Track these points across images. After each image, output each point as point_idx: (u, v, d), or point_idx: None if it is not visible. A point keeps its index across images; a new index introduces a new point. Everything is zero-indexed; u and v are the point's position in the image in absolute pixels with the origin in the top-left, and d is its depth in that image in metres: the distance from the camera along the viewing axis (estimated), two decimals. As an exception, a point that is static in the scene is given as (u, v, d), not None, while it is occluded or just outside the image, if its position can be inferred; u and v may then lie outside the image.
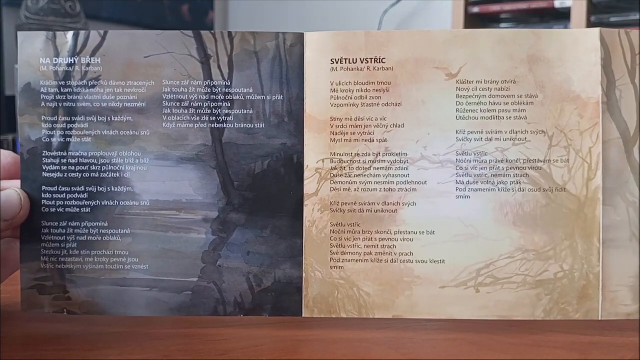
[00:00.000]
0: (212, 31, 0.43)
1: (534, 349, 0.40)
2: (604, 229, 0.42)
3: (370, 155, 0.43)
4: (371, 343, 0.41)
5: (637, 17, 1.81)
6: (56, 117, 0.43)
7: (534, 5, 1.96)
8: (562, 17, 1.93)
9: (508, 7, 2.02)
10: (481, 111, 0.43)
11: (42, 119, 0.43)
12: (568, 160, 0.42)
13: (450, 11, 2.07)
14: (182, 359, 0.38)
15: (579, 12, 1.85)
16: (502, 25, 2.07)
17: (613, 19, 1.83)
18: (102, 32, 0.43)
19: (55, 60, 0.43)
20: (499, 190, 0.42)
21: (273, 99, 0.43)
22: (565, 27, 1.90)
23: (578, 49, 0.42)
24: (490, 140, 0.43)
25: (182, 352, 0.39)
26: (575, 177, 0.42)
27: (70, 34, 0.43)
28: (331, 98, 0.43)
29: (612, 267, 0.42)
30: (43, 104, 0.43)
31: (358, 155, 0.43)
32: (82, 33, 0.43)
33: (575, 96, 0.42)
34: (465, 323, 0.44)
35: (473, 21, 2.05)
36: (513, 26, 2.03)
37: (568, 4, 1.89)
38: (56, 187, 0.43)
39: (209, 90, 0.43)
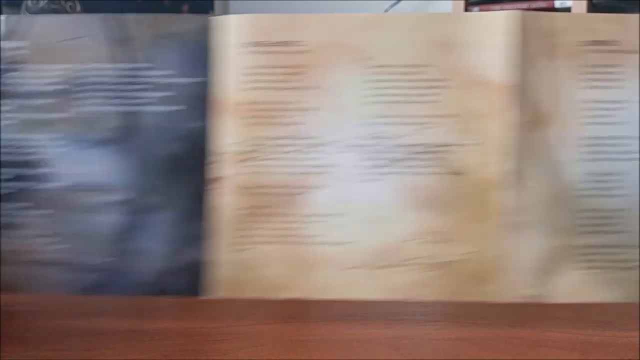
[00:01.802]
0: (132, 14, 0.44)
1: (534, 349, 0.40)
2: (509, 212, 0.42)
3: (281, 138, 0.43)
4: (371, 343, 0.41)
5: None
6: None
7: (534, 5, 1.96)
8: (562, 17, 1.93)
9: (508, 7, 2.02)
10: (393, 95, 0.43)
11: None
12: (477, 143, 0.42)
13: (451, 11, 2.07)
14: (182, 359, 0.38)
15: (579, 12, 1.85)
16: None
17: (613, 19, 1.83)
18: (31, 16, 0.44)
19: None
20: (408, 173, 0.43)
21: (189, 82, 0.43)
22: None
23: (491, 33, 0.42)
24: (401, 124, 0.43)
25: (182, 352, 0.39)
26: (483, 161, 0.42)
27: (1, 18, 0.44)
28: (244, 82, 0.43)
29: (512, 250, 0.42)
30: None
31: (269, 138, 0.43)
32: (13, 17, 0.44)
33: (487, 80, 0.42)
34: (465, 323, 0.44)
35: (473, 21, 2.05)
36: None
37: (568, 4, 1.89)
38: None
39: (127, 73, 0.43)
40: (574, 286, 0.42)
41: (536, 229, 0.42)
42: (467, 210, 0.42)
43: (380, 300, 0.47)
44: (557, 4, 1.92)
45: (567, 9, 1.89)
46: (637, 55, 0.42)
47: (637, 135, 0.42)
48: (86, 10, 1.88)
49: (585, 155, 0.42)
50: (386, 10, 2.38)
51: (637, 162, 0.42)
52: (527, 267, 0.42)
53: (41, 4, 1.75)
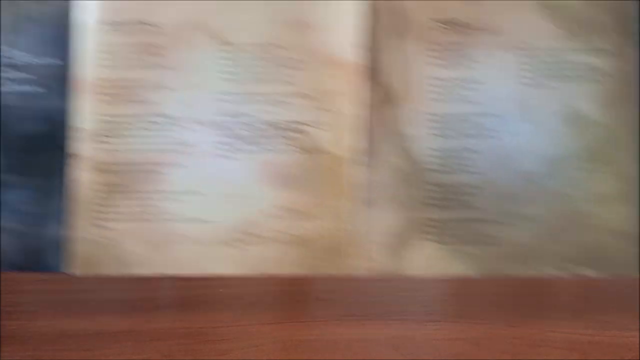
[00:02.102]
0: None
1: (534, 349, 0.40)
2: (363, 188, 0.43)
3: (138, 116, 0.43)
4: (371, 343, 0.41)
5: (637, 17, 1.81)
6: None
7: (534, 5, 1.96)
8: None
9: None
10: (249, 74, 0.43)
11: None
12: (331, 122, 0.43)
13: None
14: (182, 359, 0.38)
15: None
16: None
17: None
18: None
19: None
20: (264, 151, 0.43)
21: (49, 63, 0.44)
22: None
23: (344, 14, 0.43)
24: (257, 102, 0.43)
25: (182, 352, 0.39)
26: (337, 139, 0.43)
27: None
28: (102, 60, 0.43)
29: (367, 224, 0.43)
30: None
31: (126, 116, 0.43)
32: None
33: (338, 59, 0.43)
34: (465, 323, 0.44)
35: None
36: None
37: (568, 4, 1.88)
38: None
39: None
40: (426, 259, 0.43)
41: (389, 204, 0.43)
42: (322, 187, 0.43)
43: (380, 300, 0.47)
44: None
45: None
46: (489, 33, 0.43)
47: (489, 112, 0.43)
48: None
49: (436, 132, 0.43)
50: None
51: (489, 139, 0.43)
52: (380, 241, 0.43)
53: None
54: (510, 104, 0.43)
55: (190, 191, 0.43)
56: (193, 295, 0.49)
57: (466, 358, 0.39)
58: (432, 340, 0.42)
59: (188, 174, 0.43)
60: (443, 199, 0.43)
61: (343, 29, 0.43)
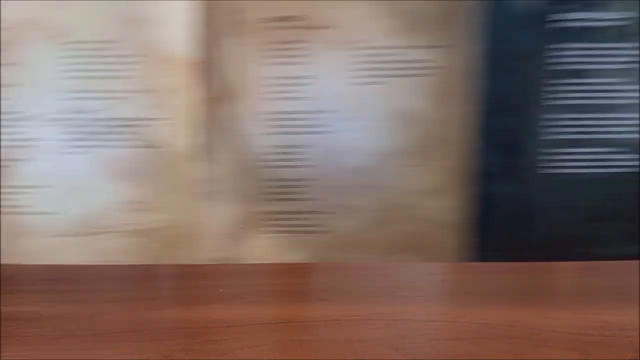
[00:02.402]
0: None
1: (534, 349, 0.40)
2: (204, 182, 0.44)
3: None
4: (371, 343, 0.41)
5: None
6: None
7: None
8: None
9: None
10: (89, 70, 0.45)
11: None
12: (169, 118, 0.45)
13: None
14: (182, 359, 0.38)
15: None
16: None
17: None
18: None
19: None
20: (107, 146, 0.45)
21: None
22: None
23: (180, 11, 0.44)
24: (98, 98, 0.45)
25: (182, 352, 0.39)
26: (176, 134, 0.45)
27: None
28: None
29: (208, 216, 0.44)
30: None
31: None
32: None
33: (174, 56, 0.44)
34: (465, 323, 0.44)
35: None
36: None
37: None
38: None
39: None
40: (262, 249, 0.45)
41: (227, 197, 0.45)
42: (163, 181, 0.45)
43: (380, 300, 0.47)
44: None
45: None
46: (323, 30, 0.44)
47: (323, 109, 0.44)
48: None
49: (272, 129, 0.45)
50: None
51: (321, 135, 0.45)
52: (219, 232, 0.44)
53: None
54: (343, 100, 0.45)
55: (39, 185, 0.45)
56: (193, 295, 0.49)
57: (466, 358, 0.39)
58: (432, 340, 0.42)
59: (37, 169, 0.45)
60: (278, 192, 0.45)
61: (179, 26, 0.44)
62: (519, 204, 0.45)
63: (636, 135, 0.44)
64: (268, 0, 0.44)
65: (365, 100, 0.44)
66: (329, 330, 0.43)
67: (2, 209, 0.44)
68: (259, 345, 0.40)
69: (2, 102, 0.44)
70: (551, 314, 0.46)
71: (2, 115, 0.44)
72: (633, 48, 0.43)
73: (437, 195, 0.45)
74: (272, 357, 0.39)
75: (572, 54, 0.44)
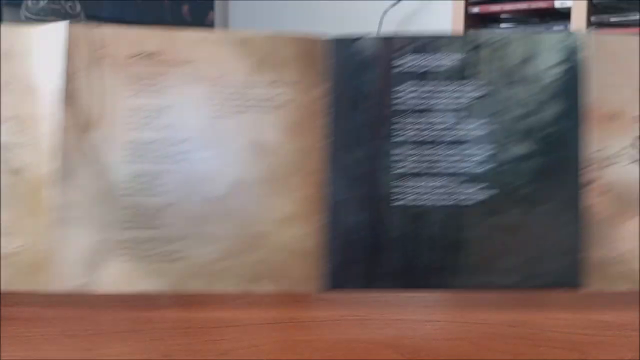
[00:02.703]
0: None
1: (534, 349, 0.40)
2: (59, 207, 0.45)
3: None
4: (371, 343, 0.41)
5: (637, 17, 1.81)
6: None
7: (534, 5, 1.96)
8: (562, 17, 1.93)
9: (508, 7, 2.02)
10: None
11: None
12: (31, 144, 0.45)
13: (450, 11, 2.07)
14: (182, 359, 0.38)
15: (579, 12, 1.85)
16: (502, 25, 2.07)
17: (613, 19, 1.83)
18: None
19: None
20: None
21: None
22: (565, 28, 1.90)
23: (44, 43, 0.46)
24: None
25: (182, 352, 0.39)
26: (36, 160, 0.45)
27: None
28: None
29: (66, 242, 0.45)
30: None
31: None
32: None
33: (35, 85, 0.46)
34: (465, 323, 0.44)
35: (473, 21, 2.05)
36: (514, 27, 2.03)
37: (568, 4, 1.89)
38: None
39: None
40: (118, 277, 0.45)
41: (84, 223, 0.45)
42: (22, 206, 0.45)
43: (380, 300, 0.47)
44: (557, 4, 1.92)
45: (567, 9, 1.89)
46: (180, 65, 0.46)
47: (181, 139, 0.46)
48: (86, 10, 1.88)
49: (130, 157, 0.46)
50: (386, 11, 2.38)
51: (180, 164, 0.46)
52: (75, 259, 0.45)
53: (41, 4, 1.75)
54: (201, 131, 0.46)
55: None
56: (193, 295, 0.49)
57: (466, 358, 0.39)
58: (432, 340, 0.42)
59: None
60: (136, 220, 0.45)
61: (47, 56, 0.46)
62: (371, 234, 0.46)
63: (479, 168, 0.46)
64: (131, 35, 0.46)
65: (221, 132, 0.46)
66: (329, 330, 0.43)
67: None
68: (259, 345, 0.40)
69: None
70: (551, 314, 0.46)
71: None
72: (468, 88, 0.47)
73: (292, 224, 0.46)
74: (272, 357, 0.39)
75: (415, 95, 0.47)
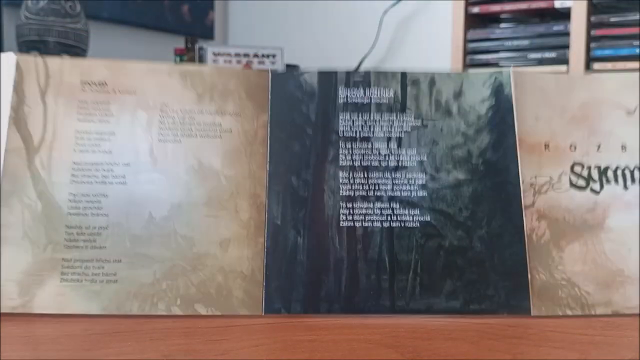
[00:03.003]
0: None
1: (534, 349, 0.40)
2: (2, 226, 0.46)
3: None
4: (371, 343, 0.41)
5: (637, 17, 1.81)
6: None
7: (534, 5, 1.96)
8: (562, 17, 1.93)
9: (508, 7, 2.02)
10: None
11: None
12: None
13: (451, 11, 2.07)
14: (182, 359, 0.38)
15: (579, 12, 1.85)
16: (502, 25, 2.07)
17: (613, 19, 1.83)
18: None
19: None
20: None
21: None
22: (565, 27, 1.90)
23: None
24: None
25: (182, 352, 0.39)
26: None
27: None
28: None
29: (2, 263, 0.45)
30: None
31: None
32: None
33: None
34: (465, 323, 0.44)
35: (473, 21, 2.05)
36: (513, 26, 2.03)
37: (568, 4, 1.89)
38: None
39: None
40: (54, 297, 0.45)
41: (23, 243, 0.46)
42: None
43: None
44: (557, 4, 1.92)
45: (567, 9, 1.89)
46: (123, 94, 0.49)
47: (124, 162, 0.48)
48: (86, 10, 1.88)
49: (73, 178, 0.47)
50: (386, 11, 2.39)
51: (120, 185, 0.47)
52: (12, 279, 0.45)
53: (41, 4, 1.75)
54: (143, 155, 0.48)
55: None
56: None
57: (466, 358, 0.39)
58: (432, 340, 0.42)
59: None
60: (74, 240, 0.46)
61: None
62: (314, 256, 0.47)
63: (420, 193, 0.48)
64: (81, 65, 0.49)
65: (164, 156, 0.48)
66: (329, 330, 0.43)
67: None
68: (259, 345, 0.40)
69: None
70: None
71: None
72: (407, 119, 0.49)
73: (233, 246, 0.47)
74: (272, 357, 0.39)
75: (359, 123, 0.49)
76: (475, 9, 2.03)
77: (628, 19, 1.82)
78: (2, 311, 0.44)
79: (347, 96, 0.50)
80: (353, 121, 0.49)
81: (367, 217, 0.48)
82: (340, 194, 0.48)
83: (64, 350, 0.39)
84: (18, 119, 0.47)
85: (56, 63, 0.49)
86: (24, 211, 0.46)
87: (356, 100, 0.50)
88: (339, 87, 0.50)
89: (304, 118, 0.49)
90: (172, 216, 0.47)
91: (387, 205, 0.48)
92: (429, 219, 0.48)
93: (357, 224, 0.48)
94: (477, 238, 0.48)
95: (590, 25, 1.85)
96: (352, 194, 0.48)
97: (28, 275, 0.45)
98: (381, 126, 0.49)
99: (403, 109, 0.50)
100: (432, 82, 0.50)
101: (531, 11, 2.00)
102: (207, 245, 0.47)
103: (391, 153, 0.49)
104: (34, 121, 0.47)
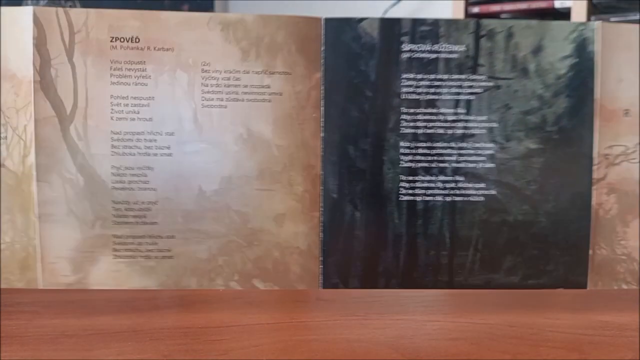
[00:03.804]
0: None
1: (534, 349, 0.40)
2: (40, 203, 0.43)
3: None
4: (371, 343, 0.41)
5: (637, 17, 1.81)
6: None
7: (534, 5, 1.96)
8: (562, 17, 1.93)
9: (508, 7, 2.01)
10: None
11: None
12: (6, 137, 0.43)
13: (451, 11, 2.07)
14: (182, 359, 0.38)
15: (579, 12, 1.85)
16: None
17: (613, 19, 1.83)
18: None
19: None
20: None
21: None
22: (565, 27, 1.89)
23: (13, 28, 0.43)
24: None
25: (182, 352, 0.39)
26: (12, 154, 0.43)
27: None
28: None
29: (50, 239, 0.44)
30: None
31: None
32: None
33: (11, 74, 0.43)
34: (465, 323, 0.44)
35: (473, 21, 2.04)
36: (513, 26, 2.03)
37: (568, 4, 1.88)
38: None
39: None
40: (108, 273, 0.44)
41: (70, 220, 0.44)
42: (8, 201, 0.44)
43: (380, 300, 0.47)
44: (557, 4, 1.92)
45: (567, 9, 1.89)
46: (159, 51, 0.43)
47: (166, 131, 0.44)
48: (86, 10, 1.88)
49: (114, 150, 0.44)
50: (386, 11, 2.38)
51: (165, 156, 0.44)
52: (64, 256, 0.44)
53: (41, 4, 1.75)
54: (188, 123, 0.44)
55: None
56: (193, 295, 0.49)
57: (466, 358, 0.39)
58: (432, 340, 0.42)
59: None
60: (123, 215, 0.44)
61: (16, 43, 0.43)
62: (373, 231, 0.45)
63: (488, 165, 0.45)
64: (110, 19, 0.43)
65: (208, 124, 0.44)
66: (329, 330, 0.43)
67: None
68: (259, 345, 0.40)
69: None
70: (551, 314, 0.46)
71: None
72: (480, 80, 0.45)
73: (288, 221, 0.45)
74: (272, 357, 0.39)
75: (422, 84, 0.44)
76: (475, 9, 2.03)
77: (628, 19, 1.82)
78: (58, 287, 0.44)
79: (411, 50, 0.45)
80: (417, 81, 0.45)
81: (429, 192, 0.45)
82: (401, 166, 0.45)
83: (64, 350, 0.39)
84: (46, 84, 0.43)
85: (80, 16, 0.43)
86: (65, 186, 0.43)
87: (422, 55, 0.44)
88: (403, 40, 0.45)
89: (363, 77, 0.44)
90: (224, 190, 0.44)
91: (450, 178, 0.45)
92: (494, 192, 0.45)
93: (418, 198, 0.45)
94: (543, 213, 0.45)
95: (590, 25, 1.85)
96: (413, 165, 0.45)
97: (79, 252, 0.44)
98: (449, 87, 0.45)
99: (474, 67, 0.45)
100: (510, 33, 0.45)
101: (531, 11, 1.99)
102: (262, 221, 0.45)
103: (458, 119, 0.45)
104: (64, 85, 0.43)
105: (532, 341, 0.41)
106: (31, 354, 0.39)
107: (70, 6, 1.80)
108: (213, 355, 0.39)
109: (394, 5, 2.37)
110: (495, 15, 2.06)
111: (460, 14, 2.03)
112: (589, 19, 1.85)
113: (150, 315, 0.45)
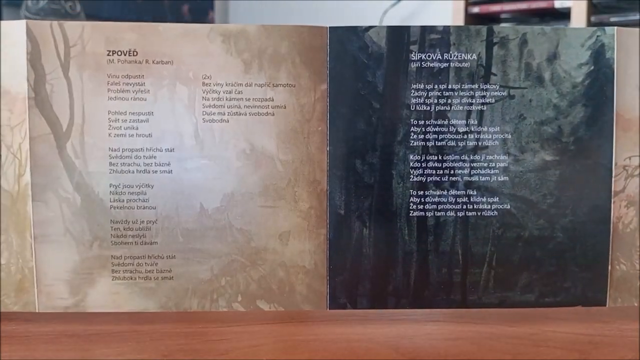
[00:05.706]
0: None
1: (534, 349, 0.40)
2: (36, 224, 0.42)
3: None
4: (371, 343, 0.41)
5: (637, 17, 1.81)
6: None
7: (534, 5, 1.96)
8: (562, 17, 1.93)
9: (508, 7, 2.01)
10: None
11: None
12: (0, 156, 0.42)
13: (451, 11, 2.07)
14: (182, 358, 0.38)
15: (579, 12, 1.85)
16: (502, 25, 2.06)
17: (613, 19, 1.83)
18: None
19: None
20: None
21: None
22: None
23: (6, 43, 0.42)
24: None
25: (182, 352, 0.39)
26: (7, 173, 0.42)
27: None
28: None
29: (46, 261, 0.42)
30: None
31: None
32: None
33: (5, 91, 0.42)
34: (465, 323, 0.44)
35: (473, 21, 2.04)
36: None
37: (568, 4, 1.88)
38: None
39: None
40: (107, 296, 0.43)
41: (66, 240, 0.42)
42: (3, 222, 0.42)
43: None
44: (557, 4, 1.92)
45: (567, 9, 1.89)
46: (157, 65, 0.42)
47: (165, 147, 0.42)
48: (86, 10, 1.88)
49: (112, 167, 0.42)
50: (386, 11, 2.38)
51: (165, 174, 0.42)
52: (61, 278, 0.43)
53: (41, 4, 1.75)
54: (188, 139, 0.43)
55: None
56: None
57: (466, 358, 0.39)
58: (432, 340, 0.42)
59: None
60: (121, 235, 0.43)
61: (8, 58, 0.42)
62: (383, 248, 0.43)
63: (501, 178, 0.43)
64: (107, 33, 0.42)
65: (210, 139, 0.43)
66: (329, 330, 0.43)
67: None
68: (259, 345, 0.40)
69: None
70: (551, 314, 0.46)
71: None
72: (492, 89, 0.43)
73: (293, 239, 0.43)
74: (272, 357, 0.39)
75: (432, 95, 0.43)
76: (475, 9, 2.03)
77: (628, 19, 1.82)
78: (55, 311, 0.43)
79: (421, 59, 0.43)
80: (427, 92, 0.43)
81: (440, 207, 0.43)
82: (411, 180, 0.43)
83: (64, 350, 0.39)
84: (41, 100, 0.42)
85: (76, 29, 0.42)
86: (61, 205, 0.42)
87: (432, 65, 0.43)
88: (412, 49, 0.43)
89: (370, 88, 0.43)
90: (226, 208, 0.43)
91: (462, 192, 0.43)
92: (508, 207, 0.44)
93: (429, 214, 0.43)
94: (559, 228, 0.44)
95: (590, 26, 1.85)
96: (423, 179, 0.43)
97: (76, 273, 0.43)
98: (460, 97, 0.43)
99: (487, 76, 0.43)
100: (523, 40, 0.43)
101: (531, 11, 1.99)
102: (266, 239, 0.43)
103: (470, 131, 0.43)
104: (59, 102, 0.42)
105: (532, 341, 0.41)
106: (31, 354, 0.39)
107: (70, 7, 1.80)
108: (213, 355, 0.39)
109: (394, 5, 2.37)
110: (495, 15, 2.06)
111: (460, 14, 2.03)
112: (589, 19, 1.84)
113: (150, 315, 0.45)
